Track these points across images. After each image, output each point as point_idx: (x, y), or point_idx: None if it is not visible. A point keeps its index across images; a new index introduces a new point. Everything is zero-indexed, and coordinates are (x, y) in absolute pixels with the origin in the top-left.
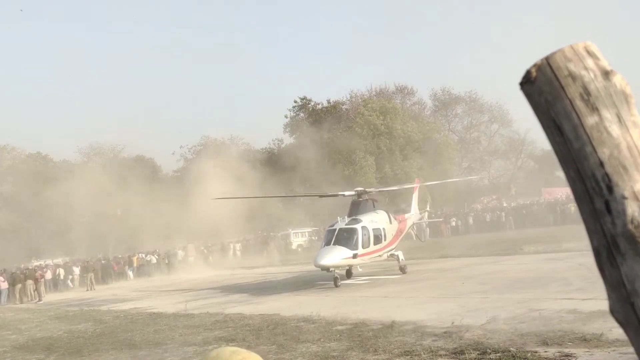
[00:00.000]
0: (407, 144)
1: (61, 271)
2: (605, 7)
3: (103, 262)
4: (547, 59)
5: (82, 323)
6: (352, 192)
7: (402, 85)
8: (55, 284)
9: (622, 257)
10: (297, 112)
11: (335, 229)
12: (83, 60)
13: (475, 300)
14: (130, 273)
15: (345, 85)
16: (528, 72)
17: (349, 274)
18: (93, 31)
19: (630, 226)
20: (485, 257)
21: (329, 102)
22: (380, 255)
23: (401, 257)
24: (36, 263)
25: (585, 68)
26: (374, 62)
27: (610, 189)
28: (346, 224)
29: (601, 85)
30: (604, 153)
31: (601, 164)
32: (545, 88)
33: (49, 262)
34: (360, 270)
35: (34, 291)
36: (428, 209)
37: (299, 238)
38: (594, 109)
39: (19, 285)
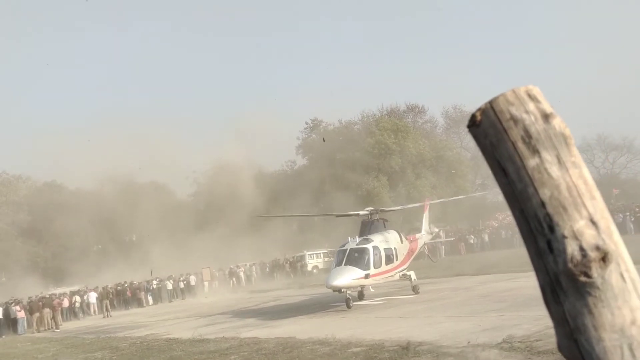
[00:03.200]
0: (420, 162)
1: (78, 299)
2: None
3: (119, 288)
4: (490, 102)
5: (99, 351)
6: (366, 212)
7: (413, 104)
8: (73, 312)
9: (564, 295)
10: (309, 134)
11: (346, 250)
12: (95, 86)
13: (491, 319)
14: (149, 298)
15: (356, 105)
16: (473, 116)
17: (361, 295)
18: (102, 51)
19: (570, 265)
20: (501, 275)
21: (340, 122)
22: (392, 276)
23: (413, 277)
24: (53, 291)
25: (527, 111)
26: (385, 82)
27: (551, 228)
28: (357, 244)
29: (541, 128)
30: (545, 194)
31: (543, 204)
32: (489, 131)
33: (66, 290)
34: (372, 290)
35: (50, 319)
36: (439, 230)
37: (314, 259)
38: (535, 151)
39: (37, 314)
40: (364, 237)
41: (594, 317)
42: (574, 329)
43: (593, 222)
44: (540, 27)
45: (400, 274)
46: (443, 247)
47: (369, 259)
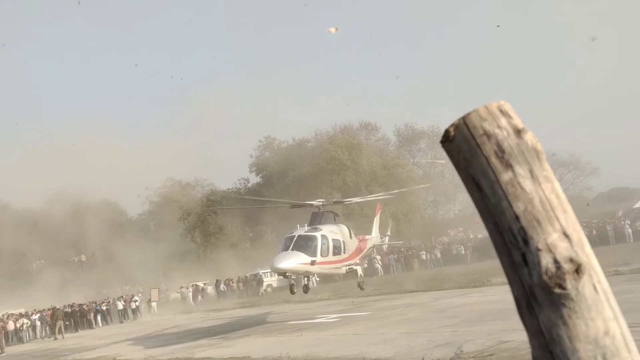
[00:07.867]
0: (373, 179)
1: (26, 321)
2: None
3: (68, 309)
4: (463, 118)
5: None
6: (319, 202)
7: (366, 122)
8: (19, 335)
9: (539, 307)
10: (262, 152)
11: (294, 236)
12: (51, 102)
13: (444, 334)
14: (98, 319)
15: (309, 123)
16: (447, 131)
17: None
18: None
19: (545, 277)
20: (453, 290)
21: (293, 139)
22: (339, 268)
23: (360, 272)
24: None
25: (499, 127)
26: (341, 98)
27: (525, 241)
28: (305, 232)
29: (514, 143)
30: (518, 207)
31: (517, 217)
32: (463, 146)
33: (10, 312)
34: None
35: None
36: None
37: (268, 278)
38: (508, 166)
39: None
40: (313, 226)
41: (568, 328)
42: (549, 340)
43: (566, 235)
44: (494, 46)
45: (347, 267)
46: (380, 266)
47: (316, 247)
